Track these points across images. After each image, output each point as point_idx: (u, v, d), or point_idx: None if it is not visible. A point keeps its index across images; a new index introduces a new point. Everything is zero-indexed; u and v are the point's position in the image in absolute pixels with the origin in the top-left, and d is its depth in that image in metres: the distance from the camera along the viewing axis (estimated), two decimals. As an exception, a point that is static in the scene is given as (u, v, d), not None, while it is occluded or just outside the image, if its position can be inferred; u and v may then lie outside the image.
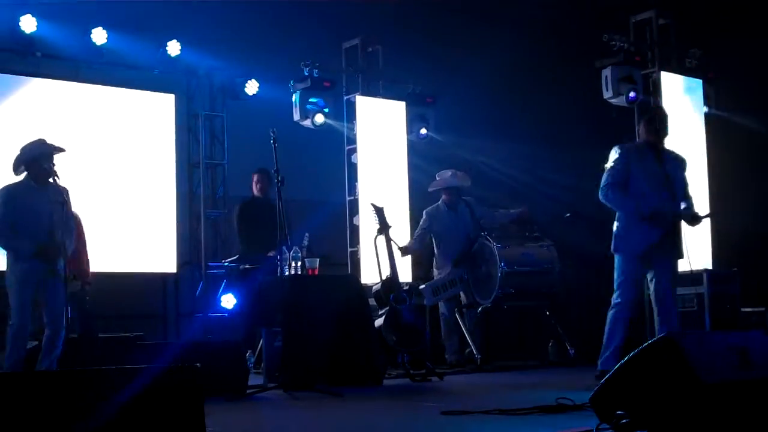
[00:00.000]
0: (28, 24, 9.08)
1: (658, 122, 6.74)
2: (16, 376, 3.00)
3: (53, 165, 6.70)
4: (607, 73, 9.94)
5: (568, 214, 9.87)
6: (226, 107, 11.16)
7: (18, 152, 6.81)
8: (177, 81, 10.68)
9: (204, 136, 11.02)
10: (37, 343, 6.80)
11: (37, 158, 6.76)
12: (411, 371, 7.73)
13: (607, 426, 3.80)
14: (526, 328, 10.01)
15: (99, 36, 9.64)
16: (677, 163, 6.85)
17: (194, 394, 3.17)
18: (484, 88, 11.32)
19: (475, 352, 8.89)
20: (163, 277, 10.38)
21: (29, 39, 9.20)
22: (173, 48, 10.25)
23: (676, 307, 6.80)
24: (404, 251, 9.05)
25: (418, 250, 9.50)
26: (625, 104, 10.00)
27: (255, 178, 9.19)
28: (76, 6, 9.26)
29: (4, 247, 6.80)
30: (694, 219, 6.72)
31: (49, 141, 6.85)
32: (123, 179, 9.99)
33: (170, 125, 10.53)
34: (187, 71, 10.69)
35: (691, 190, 6.92)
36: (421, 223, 9.52)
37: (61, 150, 6.78)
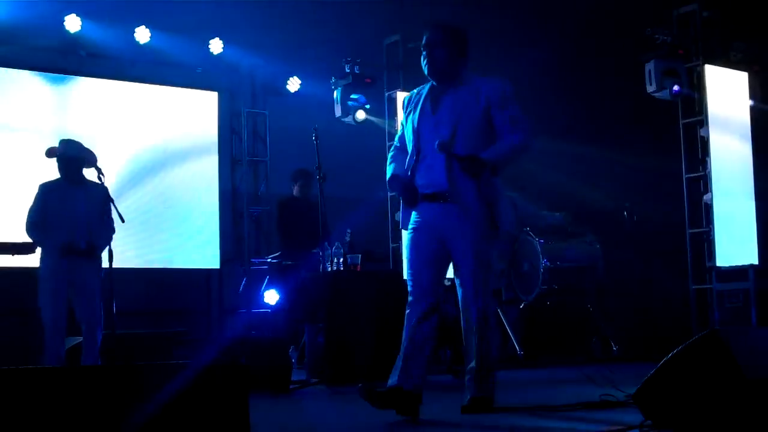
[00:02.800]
0: (72, 23, 9.19)
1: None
2: (62, 371, 3.05)
3: (80, 167, 6.81)
4: (650, 67, 9.84)
5: (625, 212, 9.76)
6: (268, 104, 11.22)
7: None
8: (220, 79, 10.75)
9: (246, 134, 11.09)
10: (81, 339, 6.89)
11: (60, 158, 6.88)
12: (453, 367, 7.72)
13: (651, 422, 3.77)
14: (569, 324, 9.94)
15: (142, 35, 9.74)
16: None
17: (239, 390, 3.19)
18: (526, 84, 11.23)
19: (517, 348, 8.86)
20: (207, 273, 10.46)
21: (74, 38, 9.31)
22: (216, 46, 10.33)
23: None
24: None
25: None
26: (669, 98, 9.89)
27: (294, 178, 9.23)
28: (120, 5, 9.34)
29: (35, 242, 6.87)
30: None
31: (77, 142, 6.95)
32: (167, 176, 10.08)
33: (213, 123, 10.62)
34: (230, 69, 10.76)
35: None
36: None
37: (74, 157, 6.87)
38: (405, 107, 5.03)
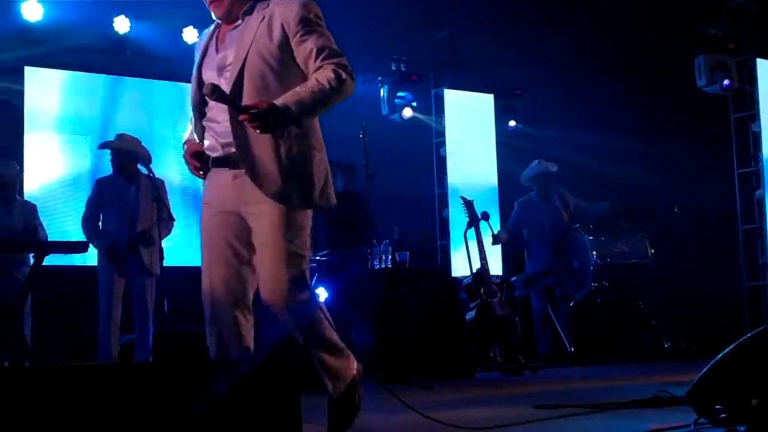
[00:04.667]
0: (121, 25, 9.30)
1: None
2: (113, 368, 3.08)
3: (133, 162, 6.92)
4: (700, 61, 9.75)
5: (676, 208, 9.66)
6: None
7: None
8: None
9: (294, 132, 11.11)
10: (134, 336, 6.99)
11: (114, 150, 7.02)
12: (503, 365, 7.70)
13: (705, 420, 3.73)
14: (620, 321, 9.87)
15: (190, 35, 9.82)
16: None
17: (290, 387, 3.21)
18: (573, 78, 11.18)
19: (567, 345, 8.81)
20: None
21: (123, 39, 9.42)
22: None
23: None
24: (495, 239, 9.00)
25: (509, 240, 9.42)
26: (720, 92, 9.78)
27: (337, 173, 9.26)
28: (168, 7, 9.43)
29: (88, 237, 6.97)
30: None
31: (131, 137, 7.06)
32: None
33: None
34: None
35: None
36: (512, 214, 9.47)
37: (126, 150, 6.98)
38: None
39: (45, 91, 9.16)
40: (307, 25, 3.60)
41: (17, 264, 7.22)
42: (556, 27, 10.72)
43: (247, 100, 3.54)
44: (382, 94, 10.68)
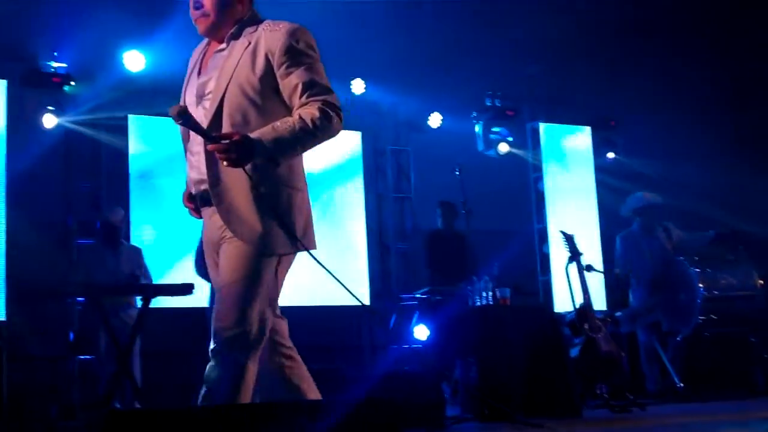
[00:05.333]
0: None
1: None
2: (215, 409, 3.10)
3: None
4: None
5: None
6: (410, 141, 11.29)
7: None
8: (362, 118, 10.90)
9: (391, 171, 11.19)
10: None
11: None
12: (610, 402, 7.52)
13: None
14: (729, 356, 9.56)
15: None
16: None
17: (392, 426, 3.18)
18: (671, 108, 10.99)
19: (677, 380, 8.56)
20: (357, 309, 10.55)
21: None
22: (358, 86, 10.49)
23: None
24: (617, 280, 8.85)
25: (624, 276, 9.21)
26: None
27: (438, 211, 9.25)
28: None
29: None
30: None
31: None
32: (315, 215, 10.25)
33: (358, 161, 10.76)
34: (372, 108, 10.89)
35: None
36: (617, 248, 9.28)
37: None
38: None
39: (148, 138, 9.41)
40: (293, 57, 3.27)
41: (125, 306, 7.38)
42: (650, 56, 10.58)
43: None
44: (477, 130, 10.68)
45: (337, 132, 3.32)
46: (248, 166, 3.17)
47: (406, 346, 8.96)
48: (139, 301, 6.00)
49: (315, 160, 10.41)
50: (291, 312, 8.22)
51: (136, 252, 7.80)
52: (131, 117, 9.28)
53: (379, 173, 11.20)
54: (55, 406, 7.63)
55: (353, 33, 9.35)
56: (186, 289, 5.63)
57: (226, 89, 3.29)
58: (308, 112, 3.22)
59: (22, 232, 8.20)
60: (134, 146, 9.27)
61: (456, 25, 9.99)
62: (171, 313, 7.85)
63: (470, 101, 10.89)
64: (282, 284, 3.49)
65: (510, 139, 10.68)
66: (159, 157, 9.43)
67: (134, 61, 8.94)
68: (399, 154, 11.30)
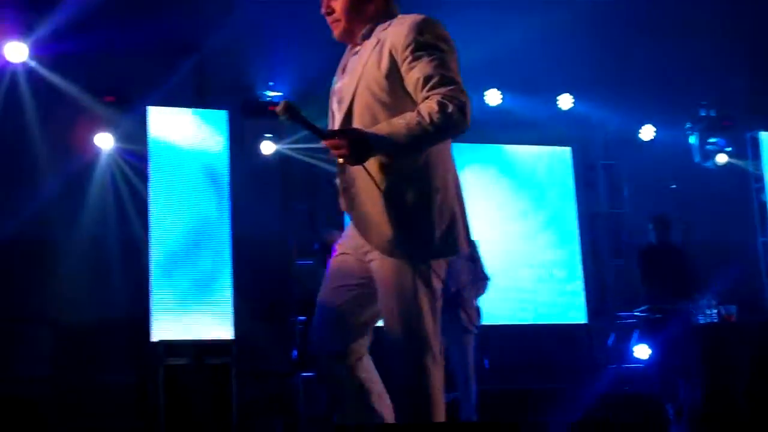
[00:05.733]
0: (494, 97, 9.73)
1: None
2: (441, 427, 3.10)
3: None
4: None
5: None
6: (622, 155, 11.03)
7: None
8: (571, 133, 10.74)
9: (602, 186, 10.97)
10: (456, 394, 7.08)
11: None
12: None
13: None
14: None
15: (494, 97, 10.01)
16: None
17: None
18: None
19: None
20: (574, 328, 10.38)
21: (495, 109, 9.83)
22: (565, 101, 10.36)
23: None
24: None
25: None
26: None
27: (650, 226, 8.98)
28: (471, 70, 9.63)
29: None
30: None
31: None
32: (527, 233, 10.20)
33: (568, 177, 10.62)
34: (581, 123, 10.71)
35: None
36: None
37: None
38: None
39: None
40: (417, 50, 3.05)
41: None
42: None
43: None
44: (692, 141, 10.31)
45: (461, 125, 3.00)
46: (373, 168, 3.04)
47: (626, 365, 8.75)
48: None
49: (523, 176, 10.37)
50: (506, 331, 8.24)
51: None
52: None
53: (591, 188, 10.99)
54: (280, 421, 7.91)
55: (560, 47, 9.26)
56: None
57: (355, 91, 3.16)
58: (427, 106, 2.97)
59: (247, 254, 8.58)
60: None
61: (663, 36, 9.72)
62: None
63: (682, 112, 10.54)
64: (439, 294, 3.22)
65: (728, 149, 10.24)
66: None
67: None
68: (610, 169, 11.05)
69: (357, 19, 3.24)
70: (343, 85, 3.26)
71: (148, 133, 8.76)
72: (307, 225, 9.32)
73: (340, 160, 3.00)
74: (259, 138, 9.17)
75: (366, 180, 3.06)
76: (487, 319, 7.16)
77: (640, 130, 10.78)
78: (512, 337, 8.85)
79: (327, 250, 8.09)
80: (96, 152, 8.80)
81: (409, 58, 3.05)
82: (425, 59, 3.03)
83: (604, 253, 10.77)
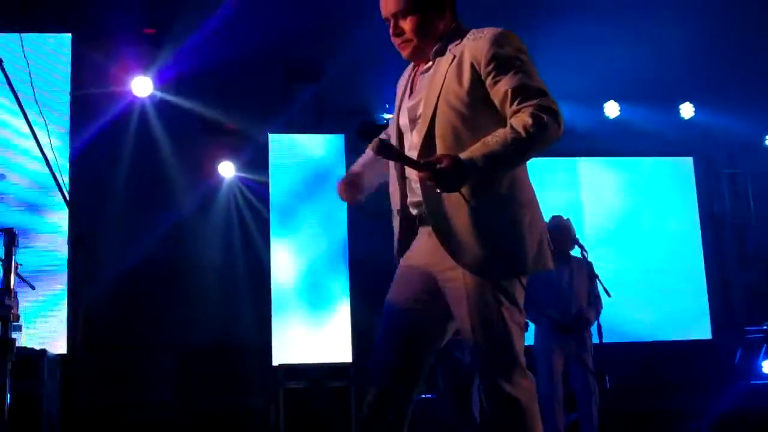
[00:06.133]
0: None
1: None
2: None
3: (570, 240, 6.98)
4: None
5: None
6: (746, 163, 10.73)
7: None
8: (693, 143, 10.50)
9: (727, 196, 10.68)
10: (578, 415, 7.00)
11: (550, 232, 7.11)
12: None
13: None
14: None
15: (612, 109, 9.88)
16: None
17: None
18: None
19: None
20: (698, 344, 10.11)
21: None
22: (686, 110, 10.15)
23: None
24: None
25: None
26: None
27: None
28: (589, 83, 9.53)
29: (531, 319, 7.15)
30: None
31: (562, 219, 7.16)
32: (648, 246, 10.01)
33: (690, 187, 10.38)
34: (703, 132, 10.46)
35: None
36: None
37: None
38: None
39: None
40: (500, 64, 3.04)
41: (459, 345, 7.55)
42: None
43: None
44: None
45: (556, 135, 3.00)
46: (465, 189, 2.97)
47: (756, 382, 8.46)
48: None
49: (641, 188, 10.18)
50: (628, 349, 8.08)
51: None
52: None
53: (714, 199, 10.71)
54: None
55: (677, 56, 9.07)
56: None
57: (435, 108, 3.12)
58: (520, 119, 2.95)
59: (366, 277, 8.67)
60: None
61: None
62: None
63: None
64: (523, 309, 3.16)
65: None
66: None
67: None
68: (735, 177, 10.76)
69: (428, 38, 3.21)
70: (416, 103, 3.22)
71: (269, 160, 9.01)
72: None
73: (438, 190, 2.94)
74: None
75: (456, 200, 3.01)
76: (608, 337, 7.05)
77: (765, 138, 10.48)
78: (634, 355, 8.68)
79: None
80: (220, 179, 9.10)
81: (494, 73, 3.04)
82: (511, 72, 3.03)
83: (729, 265, 10.48)
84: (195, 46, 7.82)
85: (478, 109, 3.09)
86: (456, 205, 3.04)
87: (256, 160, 9.01)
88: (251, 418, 8.32)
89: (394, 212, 3.34)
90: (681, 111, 10.16)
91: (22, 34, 4.44)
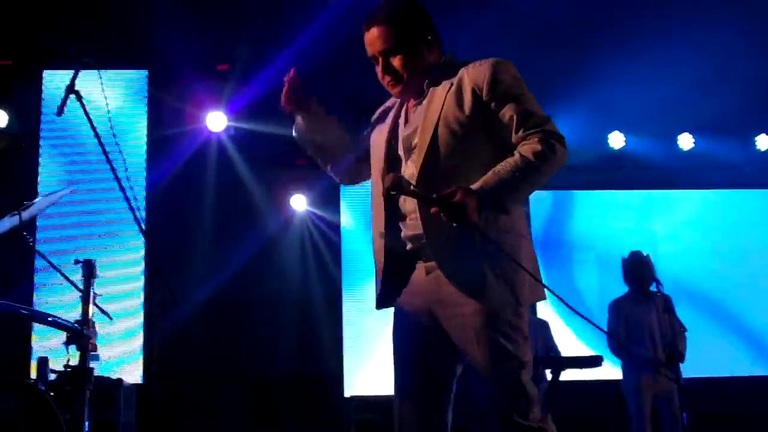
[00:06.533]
0: (616, 140, 9.54)
1: None
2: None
3: (650, 276, 6.89)
4: None
5: None
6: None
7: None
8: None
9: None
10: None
11: (630, 267, 7.04)
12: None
13: None
14: None
15: (686, 141, 9.76)
16: None
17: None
18: None
19: None
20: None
21: (618, 154, 9.63)
22: (763, 142, 9.97)
23: None
24: None
25: None
26: None
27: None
28: (661, 117, 9.43)
29: (618, 356, 7.10)
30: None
31: (641, 254, 7.09)
32: (731, 279, 9.79)
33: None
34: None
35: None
36: None
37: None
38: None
39: (543, 211, 9.63)
40: (504, 89, 3.03)
41: (536, 379, 7.50)
42: None
43: (439, 183, 2.94)
44: None
45: (563, 161, 2.99)
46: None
47: None
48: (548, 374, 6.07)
49: (717, 221, 9.99)
50: (714, 384, 7.91)
51: (543, 326, 7.95)
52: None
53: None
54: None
55: (753, 85, 8.91)
56: (595, 361, 5.65)
57: (433, 134, 3.07)
58: (528, 147, 2.95)
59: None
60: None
61: None
62: (581, 385, 7.88)
63: None
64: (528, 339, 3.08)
65: None
66: (561, 230, 9.58)
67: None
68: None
69: (418, 71, 3.18)
70: (412, 132, 3.17)
71: (341, 194, 9.08)
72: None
73: (454, 225, 2.86)
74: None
75: (458, 229, 2.90)
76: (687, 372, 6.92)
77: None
78: (720, 390, 8.52)
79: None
80: (291, 213, 9.18)
81: (496, 100, 3.03)
82: (514, 100, 3.02)
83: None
84: (267, 79, 7.92)
85: (478, 134, 3.06)
86: (458, 234, 2.94)
87: (329, 194, 9.07)
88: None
89: (375, 236, 3.25)
90: (757, 142, 9.98)
91: (101, 71, 4.53)
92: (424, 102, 3.18)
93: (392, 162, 3.22)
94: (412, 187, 2.94)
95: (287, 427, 8.27)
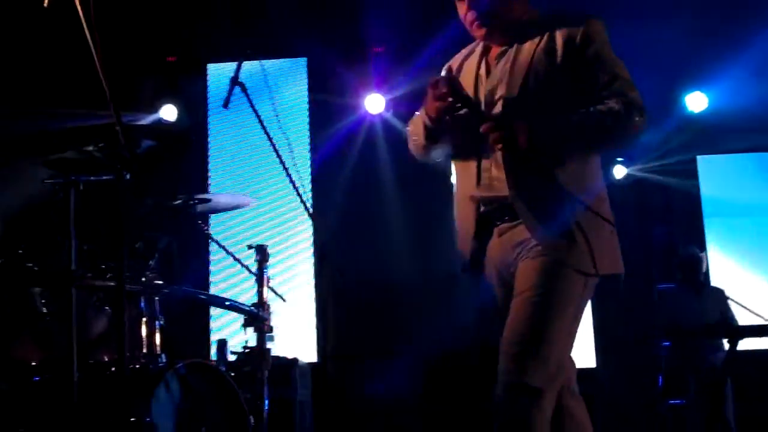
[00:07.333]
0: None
1: None
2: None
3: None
4: None
5: None
6: None
7: None
8: None
9: None
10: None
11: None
12: None
13: None
14: None
15: None
16: None
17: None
18: None
19: None
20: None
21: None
22: None
23: None
24: None
25: None
26: None
27: None
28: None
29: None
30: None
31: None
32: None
33: None
34: None
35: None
36: None
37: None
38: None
39: (718, 177, 9.25)
40: (594, 51, 2.94)
41: (713, 349, 7.33)
42: None
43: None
44: None
45: (638, 132, 2.90)
46: (546, 162, 2.84)
47: None
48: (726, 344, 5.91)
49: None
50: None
51: (720, 293, 7.71)
52: (699, 158, 9.20)
53: None
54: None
55: None
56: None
57: (522, 87, 2.98)
58: (607, 105, 2.86)
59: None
60: (706, 188, 9.17)
61: None
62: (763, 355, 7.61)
63: None
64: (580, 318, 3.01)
65: None
66: (731, 196, 9.18)
67: (697, 102, 8.89)
68: None
69: (506, 18, 3.09)
70: (497, 86, 3.06)
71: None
72: (667, 247, 9.08)
73: (499, 146, 2.82)
74: (611, 163, 9.06)
75: (541, 185, 2.88)
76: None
77: None
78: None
79: (689, 272, 7.84)
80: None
81: (589, 58, 2.95)
82: (605, 60, 2.95)
83: None
84: (424, 59, 7.92)
85: (565, 88, 2.96)
86: (541, 188, 2.88)
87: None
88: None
89: (462, 199, 3.17)
90: None
91: (262, 61, 4.66)
92: (510, 54, 3.08)
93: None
94: (466, 94, 2.92)
95: (462, 404, 8.30)
